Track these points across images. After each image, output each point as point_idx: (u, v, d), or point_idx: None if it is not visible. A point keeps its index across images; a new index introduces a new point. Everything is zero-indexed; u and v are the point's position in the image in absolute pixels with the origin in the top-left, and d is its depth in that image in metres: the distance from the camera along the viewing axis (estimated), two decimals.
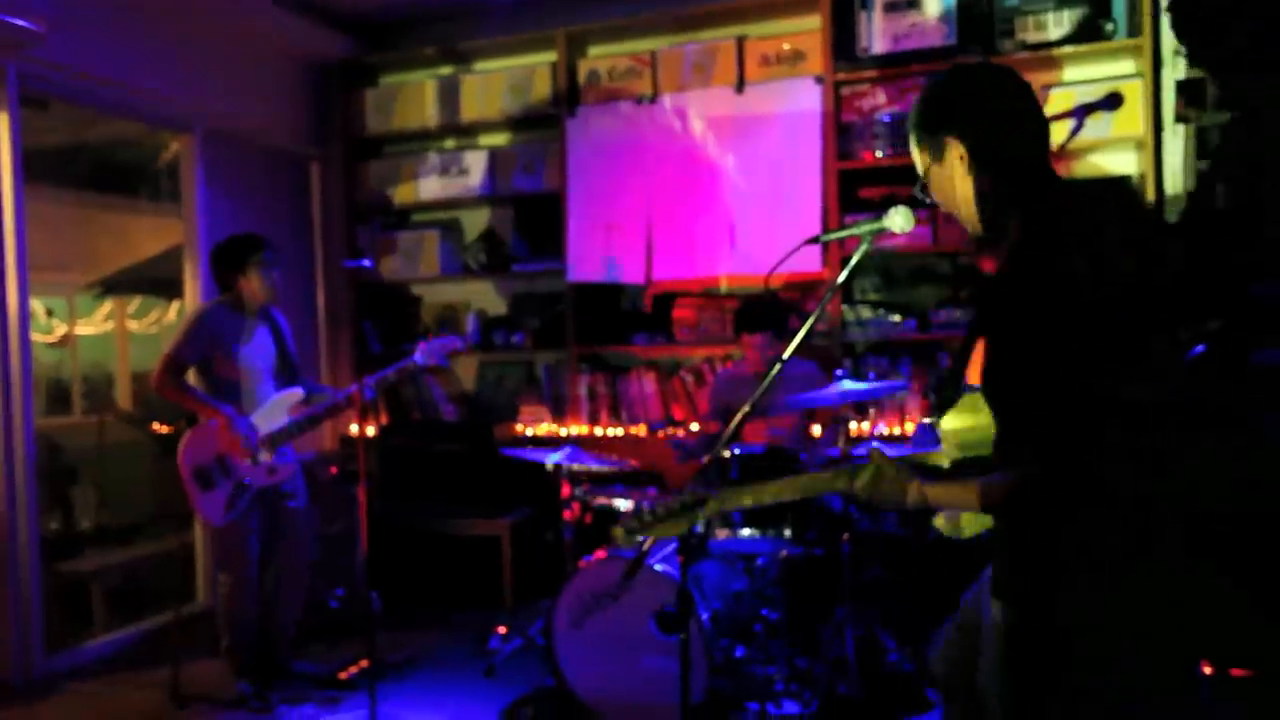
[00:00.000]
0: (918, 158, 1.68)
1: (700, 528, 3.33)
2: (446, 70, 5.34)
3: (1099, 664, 1.43)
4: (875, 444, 1.72)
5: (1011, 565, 1.51)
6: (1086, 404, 1.38)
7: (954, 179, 1.61)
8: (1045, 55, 4.18)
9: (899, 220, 2.05)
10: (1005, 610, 1.52)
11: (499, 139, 5.30)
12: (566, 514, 3.76)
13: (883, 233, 2.07)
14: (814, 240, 2.39)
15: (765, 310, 3.90)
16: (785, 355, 2.15)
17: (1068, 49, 4.15)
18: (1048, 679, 1.47)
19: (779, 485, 1.82)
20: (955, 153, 1.59)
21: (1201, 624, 1.47)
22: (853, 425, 4.22)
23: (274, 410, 3.68)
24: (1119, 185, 1.53)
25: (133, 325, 9.42)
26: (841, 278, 2.13)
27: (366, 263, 3.64)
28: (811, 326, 2.09)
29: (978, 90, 1.58)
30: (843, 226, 4.34)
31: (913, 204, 2.16)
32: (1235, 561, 1.46)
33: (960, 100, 1.59)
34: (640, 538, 1.88)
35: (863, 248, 2.12)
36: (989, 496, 1.49)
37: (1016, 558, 1.51)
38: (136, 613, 4.56)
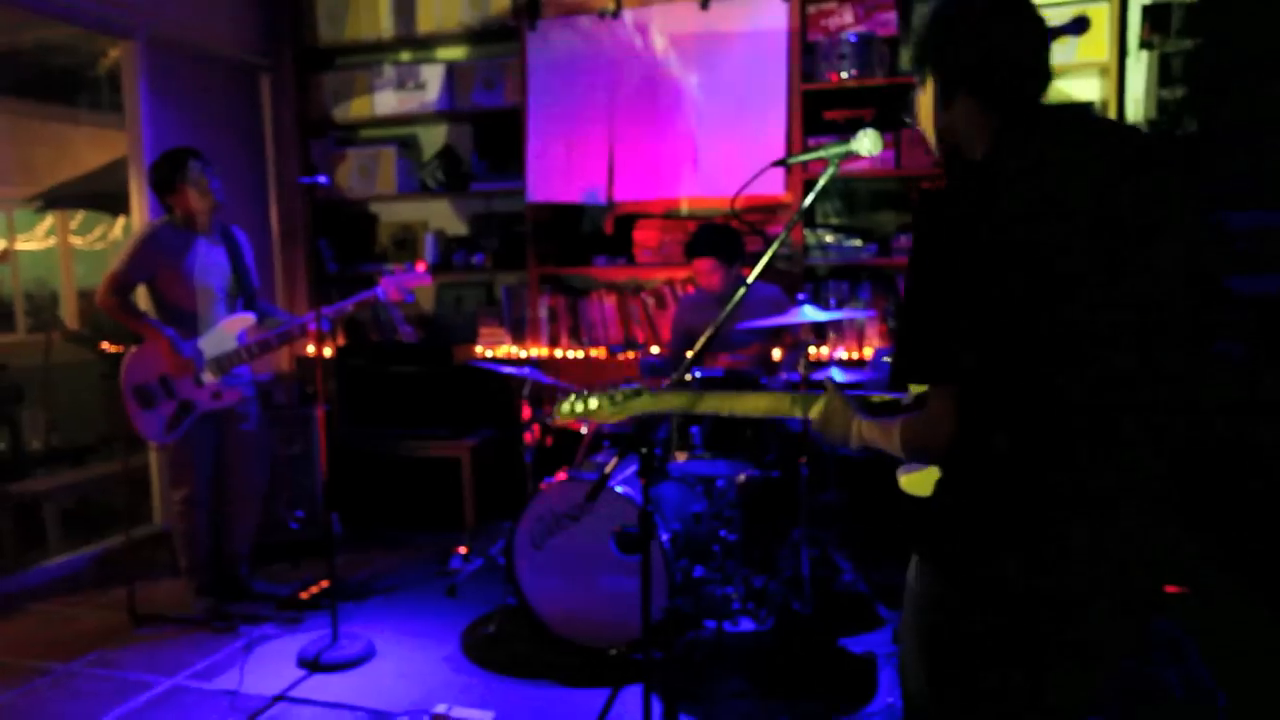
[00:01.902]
0: (914, 80, 1.63)
1: (662, 450, 3.35)
2: None
3: (1005, 632, 1.40)
4: (830, 375, 1.70)
5: (923, 518, 1.48)
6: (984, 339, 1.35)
7: (929, 106, 1.57)
8: None
9: (867, 143, 2.03)
10: (919, 565, 1.51)
11: (457, 52, 5.14)
12: (527, 436, 3.77)
13: (850, 156, 2.05)
14: (781, 163, 2.37)
15: (712, 234, 3.87)
16: (750, 279, 2.14)
17: None
18: (954, 646, 1.45)
19: (717, 398, 1.83)
20: (936, 77, 1.55)
21: (1145, 570, 1.42)
22: (813, 350, 4.25)
23: (223, 333, 3.61)
24: (1096, 121, 1.47)
25: (77, 241, 9.14)
26: (808, 201, 2.12)
27: (322, 179, 3.52)
28: (775, 251, 2.08)
29: (958, 19, 1.52)
30: (807, 149, 4.31)
31: (882, 125, 2.13)
32: (1188, 492, 1.45)
33: (939, 29, 1.54)
34: (579, 419, 1.91)
35: (829, 171, 2.09)
36: (898, 437, 1.46)
37: (935, 511, 1.47)
38: (91, 534, 4.52)
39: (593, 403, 1.86)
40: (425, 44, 5.12)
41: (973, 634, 1.42)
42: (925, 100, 1.59)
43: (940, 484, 1.47)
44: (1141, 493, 1.39)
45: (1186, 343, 1.42)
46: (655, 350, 4.59)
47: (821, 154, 2.10)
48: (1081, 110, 1.56)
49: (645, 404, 1.85)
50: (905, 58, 4.42)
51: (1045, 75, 1.52)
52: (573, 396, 1.90)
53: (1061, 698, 1.43)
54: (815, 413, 1.64)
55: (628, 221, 4.82)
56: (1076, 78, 4.26)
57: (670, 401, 1.88)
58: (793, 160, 2.30)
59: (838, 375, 3.48)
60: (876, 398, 1.65)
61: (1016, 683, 1.42)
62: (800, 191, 4.38)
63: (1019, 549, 1.38)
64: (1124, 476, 1.38)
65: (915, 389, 1.54)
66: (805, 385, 3.35)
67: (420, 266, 3.69)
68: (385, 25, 5.02)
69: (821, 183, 2.07)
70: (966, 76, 1.51)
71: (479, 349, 4.96)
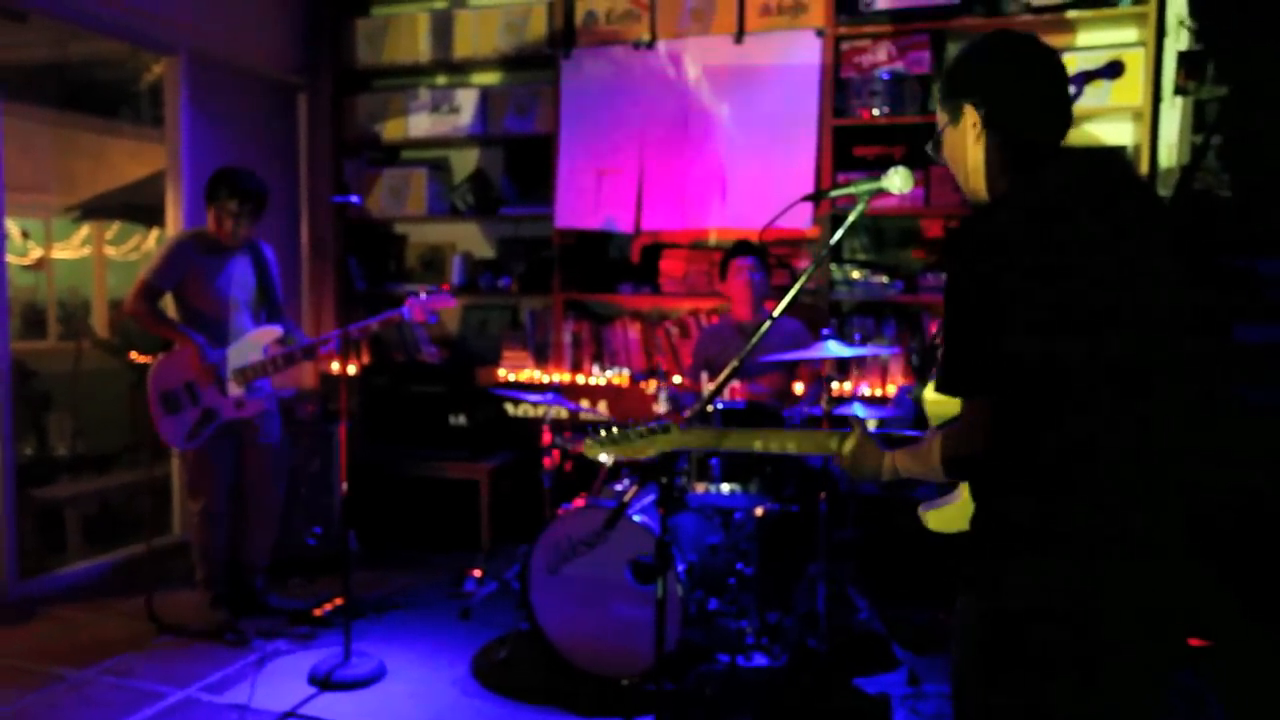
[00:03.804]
0: (939, 116, 1.67)
1: (681, 480, 3.34)
2: (441, 3, 5.21)
3: (1046, 656, 1.42)
4: (856, 414, 1.73)
5: (966, 548, 1.51)
6: (1009, 368, 1.41)
7: (965, 145, 1.62)
8: (1050, 19, 4.13)
9: (898, 181, 2.03)
10: (962, 597, 1.53)
11: (491, 78, 5.21)
12: (546, 461, 3.77)
13: (880, 193, 2.06)
14: (811, 197, 2.37)
15: (749, 243, 4.07)
16: (775, 313, 2.14)
17: (1072, 13, 4.09)
18: (995, 669, 1.46)
19: (745, 435, 1.85)
20: (970, 119, 1.60)
21: (1168, 613, 1.45)
22: (835, 385, 4.24)
23: (249, 345, 3.66)
24: (1120, 167, 1.53)
25: (111, 251, 9.27)
26: (836, 237, 2.11)
27: (354, 199, 3.58)
28: (802, 285, 2.09)
29: (1002, 62, 1.59)
30: (836, 185, 4.32)
31: (912, 163, 2.14)
32: (1213, 542, 1.46)
33: (983, 69, 1.60)
34: (604, 458, 1.95)
35: (859, 208, 2.10)
36: (937, 452, 1.51)
37: (969, 538, 1.51)
38: (112, 541, 4.56)
39: (621, 439, 1.88)
40: (461, 69, 5.18)
41: (1024, 659, 1.44)
42: (953, 136, 1.65)
43: (975, 516, 1.51)
44: (1165, 527, 1.44)
45: (1200, 389, 1.46)
46: (677, 380, 4.59)
47: (851, 190, 2.10)
48: (1101, 156, 1.62)
49: (673, 441, 1.87)
50: (937, 95, 4.43)
51: (1066, 118, 1.59)
52: (602, 432, 1.92)
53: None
54: (846, 449, 1.68)
55: (654, 251, 4.83)
56: (1110, 122, 4.25)
57: (698, 439, 1.90)
58: (822, 196, 2.31)
59: (860, 411, 3.46)
60: (898, 437, 1.66)
61: (1069, 708, 1.43)
62: (827, 227, 4.38)
63: (1056, 573, 1.41)
64: (1148, 511, 1.42)
65: (935, 422, 1.60)
66: (828, 421, 3.34)
67: (446, 290, 3.72)
68: (423, 49, 5.09)
69: (851, 219, 2.08)
70: (992, 113, 1.57)
71: (502, 372, 4.97)
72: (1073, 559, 1.40)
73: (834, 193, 2.21)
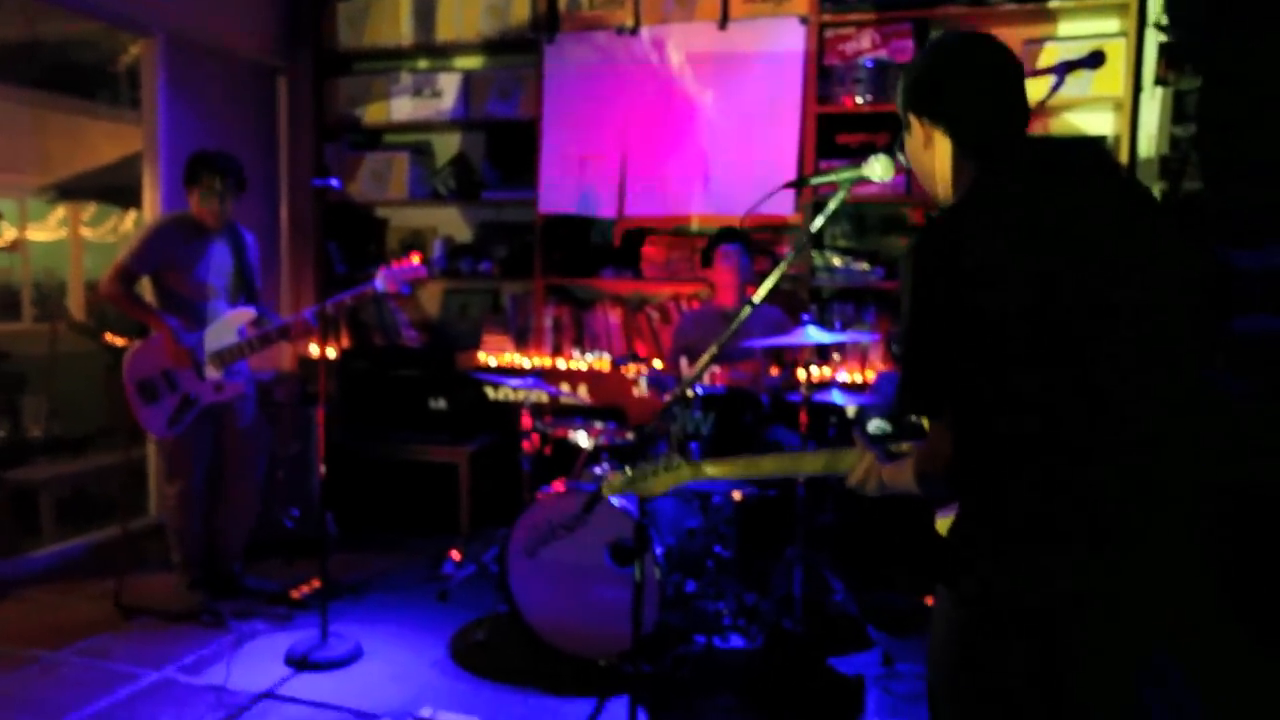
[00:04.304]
0: (903, 119, 1.67)
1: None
2: None
3: (1013, 649, 1.43)
4: (858, 432, 1.71)
5: (943, 542, 1.52)
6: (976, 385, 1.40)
7: (922, 153, 1.62)
8: (1033, 8, 4.15)
9: (879, 169, 2.05)
10: (943, 595, 1.55)
11: (474, 62, 5.18)
12: (526, 445, 3.77)
13: (861, 181, 2.07)
14: (793, 184, 2.38)
15: (733, 230, 4.10)
16: (755, 299, 2.15)
17: (1054, 3, 4.11)
18: (964, 660, 1.48)
19: (760, 461, 1.87)
20: (919, 130, 1.61)
21: (1149, 611, 1.44)
22: (815, 371, 4.26)
23: (224, 327, 3.63)
24: (1089, 155, 1.53)
25: (87, 232, 9.17)
26: (817, 224, 2.12)
27: (334, 183, 3.56)
28: (783, 272, 2.10)
29: (944, 70, 1.58)
30: (819, 172, 4.33)
31: (895, 151, 2.15)
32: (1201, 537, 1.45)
33: (925, 80, 1.60)
34: (625, 492, 1.98)
35: (840, 195, 2.11)
36: (910, 471, 1.52)
37: (949, 534, 1.51)
38: (86, 523, 4.52)
39: (637, 478, 1.92)
40: (443, 52, 5.15)
41: (994, 664, 1.46)
42: (911, 145, 1.66)
43: (956, 517, 1.51)
44: (1148, 524, 1.41)
45: (1186, 379, 1.44)
46: (658, 364, 4.59)
47: (833, 178, 2.12)
48: (1067, 146, 1.62)
49: (686, 476, 1.91)
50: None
51: (1020, 113, 1.58)
52: (618, 473, 1.96)
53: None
54: (858, 473, 1.66)
55: (636, 236, 4.83)
56: (1090, 111, 4.27)
57: (711, 472, 1.92)
58: (804, 183, 2.31)
59: (838, 398, 3.48)
60: (905, 445, 1.66)
61: (1036, 708, 1.44)
62: (809, 213, 4.39)
63: (1028, 576, 1.41)
64: (1128, 506, 1.40)
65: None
66: (807, 408, 3.35)
67: (415, 258, 3.66)
68: (405, 32, 5.05)
69: (832, 206, 2.09)
70: (940, 121, 1.57)
71: (482, 355, 4.96)
72: (1044, 557, 1.40)
73: (815, 180, 2.22)
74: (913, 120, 1.62)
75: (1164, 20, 3.89)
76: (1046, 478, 1.39)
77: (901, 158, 1.77)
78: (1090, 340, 1.38)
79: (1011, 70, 1.56)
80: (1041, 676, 1.42)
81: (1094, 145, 4.14)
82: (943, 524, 1.61)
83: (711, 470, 1.93)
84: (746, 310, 2.14)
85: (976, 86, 1.55)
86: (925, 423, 1.55)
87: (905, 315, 1.45)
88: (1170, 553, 1.42)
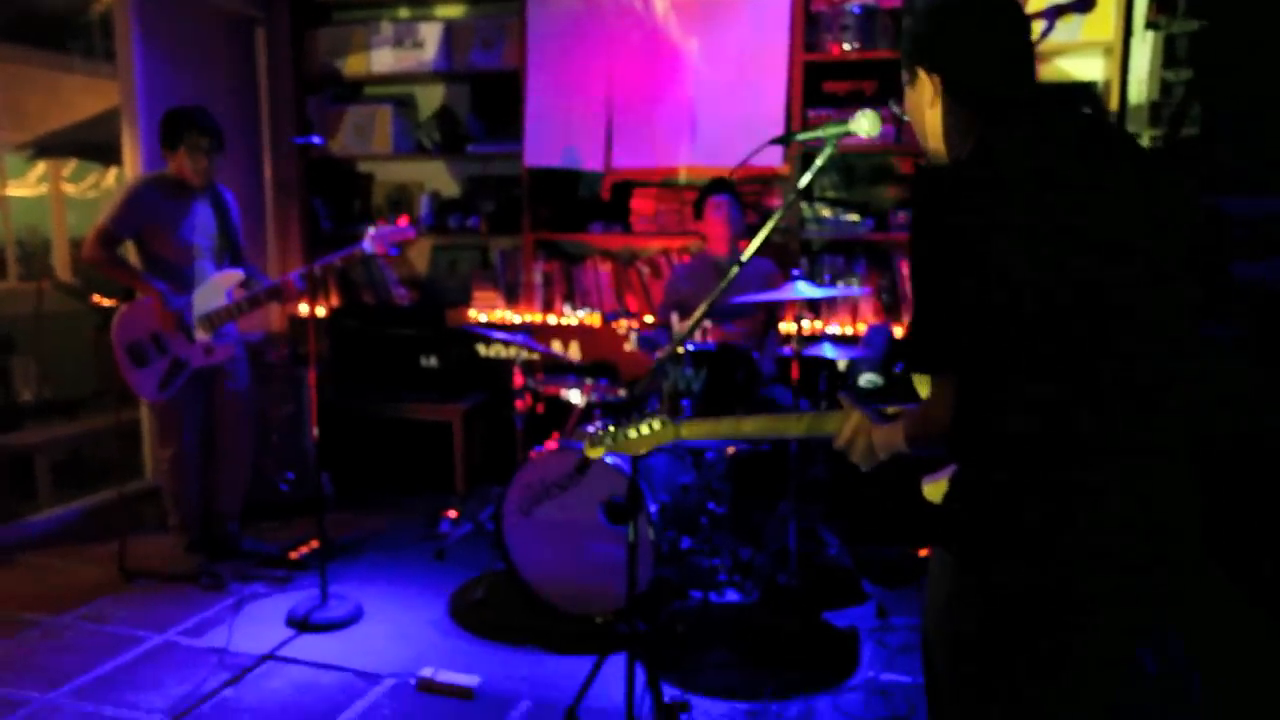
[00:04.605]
0: (903, 75, 1.64)
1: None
2: None
3: (1011, 616, 1.42)
4: (845, 394, 1.70)
5: (943, 506, 1.51)
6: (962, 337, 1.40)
7: (923, 107, 1.59)
8: None
9: (865, 124, 2.03)
10: (940, 559, 1.55)
11: (456, 10, 5.07)
12: (519, 404, 3.78)
13: (848, 136, 2.06)
14: (779, 140, 2.37)
15: (723, 180, 4.07)
16: (745, 256, 2.15)
17: None
18: (985, 642, 1.47)
19: (742, 423, 1.87)
20: (925, 83, 1.57)
21: (1152, 577, 1.42)
22: (806, 324, 4.26)
23: (212, 290, 3.61)
24: (1092, 114, 1.51)
25: (69, 188, 9.04)
26: (804, 181, 2.11)
27: (316, 139, 3.51)
28: (773, 228, 2.09)
29: (952, 21, 1.54)
30: (806, 121, 4.29)
31: (883, 99, 2.12)
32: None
33: (933, 31, 1.56)
34: (611, 452, 1.97)
35: (827, 151, 2.10)
36: (903, 431, 1.52)
37: (947, 497, 1.50)
38: (83, 487, 4.53)
39: (620, 438, 1.92)
40: (424, 1, 5.04)
41: (991, 629, 1.45)
42: (914, 97, 1.62)
43: (952, 482, 1.50)
44: (1153, 485, 1.40)
45: (1188, 331, 1.43)
46: (649, 319, 4.59)
47: (819, 133, 2.10)
48: (1066, 103, 1.58)
49: (670, 435, 1.91)
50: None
51: (1029, 69, 1.55)
52: (601, 432, 1.95)
53: (1076, 696, 1.46)
54: (838, 431, 1.66)
55: (625, 188, 4.79)
56: (1080, 57, 4.22)
57: (695, 431, 1.93)
58: (790, 139, 2.30)
59: (830, 351, 3.50)
60: (892, 409, 1.66)
61: (1032, 679, 1.44)
62: (798, 165, 4.35)
63: (1025, 545, 1.40)
64: (1133, 470, 1.39)
65: (923, 393, 1.56)
66: (798, 362, 3.37)
67: (403, 220, 3.63)
68: None
69: (819, 163, 2.07)
70: (947, 75, 1.54)
71: (472, 312, 4.95)
72: (1047, 522, 1.38)
73: (801, 136, 2.20)
74: (916, 72, 1.58)
75: None
76: (1052, 443, 1.38)
77: (896, 109, 1.74)
78: (1099, 302, 1.37)
79: (1019, 22, 1.53)
80: (1041, 640, 1.42)
81: (1092, 102, 4.11)
82: (932, 489, 1.62)
83: (693, 430, 1.94)
84: (735, 270, 2.13)
85: (984, 39, 1.52)
86: (921, 383, 1.55)
87: (912, 265, 1.44)
88: (1174, 517, 1.41)
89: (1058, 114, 1.49)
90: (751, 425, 1.90)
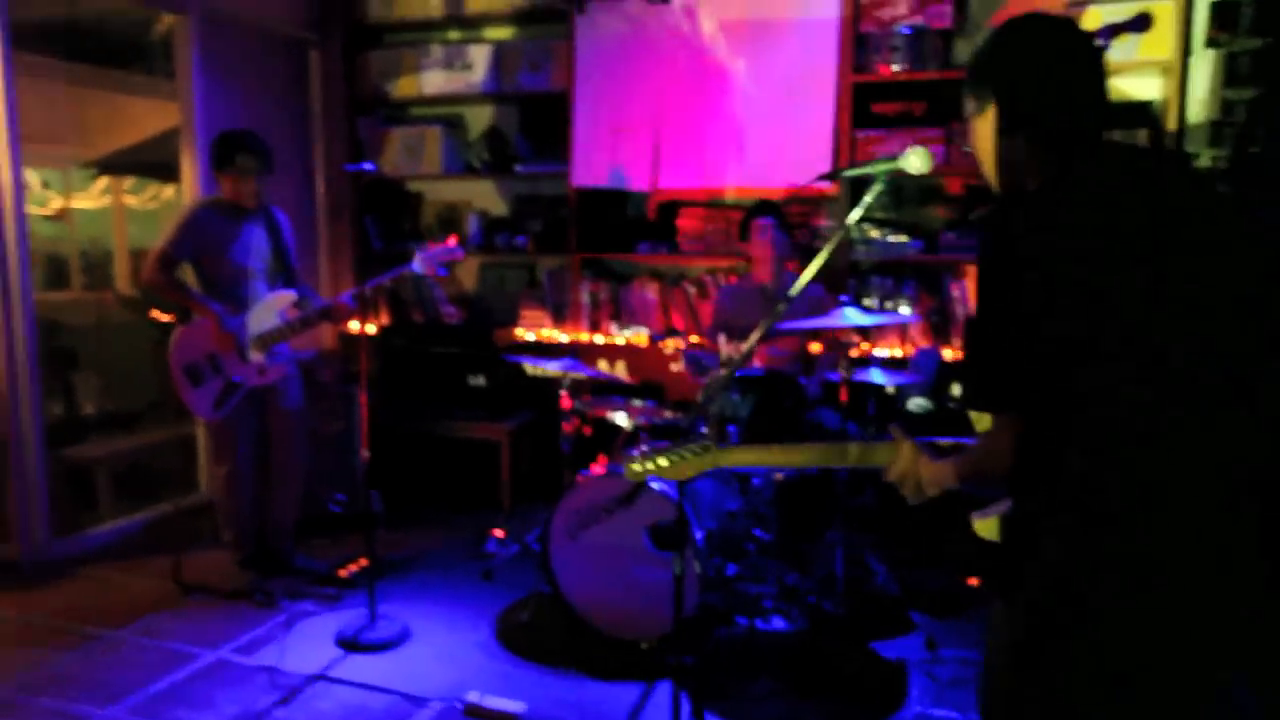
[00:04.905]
0: (966, 103, 1.61)
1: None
2: None
3: (1075, 668, 1.39)
4: (898, 425, 1.68)
5: (999, 548, 1.49)
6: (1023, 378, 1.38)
7: (987, 138, 1.56)
8: None
9: (915, 162, 2.02)
10: (994, 596, 1.53)
11: (504, 33, 5.13)
12: (566, 426, 3.80)
13: (898, 173, 2.04)
14: (827, 177, 2.36)
15: (768, 202, 4.07)
16: (794, 290, 2.14)
17: None
18: (1024, 673, 1.45)
19: (790, 451, 1.84)
20: (993, 115, 1.54)
21: (1220, 616, 1.36)
22: (852, 350, 4.23)
23: (266, 311, 3.68)
24: (1168, 158, 1.48)
25: (130, 200, 9.29)
26: (852, 218, 2.10)
27: (368, 166, 3.57)
28: (820, 250, 2.08)
29: (1025, 54, 1.51)
30: (854, 164, 4.22)
31: (932, 119, 2.11)
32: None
33: (1004, 62, 1.53)
34: (651, 476, 1.95)
35: (876, 188, 2.08)
36: (959, 468, 1.50)
37: (1003, 540, 1.48)
38: (141, 500, 4.65)
39: (664, 461, 1.86)
40: (473, 24, 5.11)
41: (1058, 668, 1.42)
42: (982, 128, 1.59)
43: (1006, 521, 1.48)
44: (1220, 529, 1.35)
45: (1257, 380, 1.38)
46: (695, 339, 4.59)
47: (869, 169, 2.09)
48: (1141, 147, 1.55)
49: (713, 461, 1.85)
50: (961, 51, 4.34)
51: (1099, 104, 1.51)
52: (642, 455, 1.91)
53: None
54: (889, 463, 1.64)
55: (671, 208, 4.80)
56: (1137, 76, 4.15)
57: (738, 458, 1.90)
58: (839, 175, 2.30)
59: (878, 376, 3.47)
60: (945, 443, 1.64)
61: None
62: (846, 186, 4.32)
63: (1081, 590, 1.37)
64: (1198, 510, 1.34)
65: (981, 427, 1.54)
66: (847, 387, 3.35)
67: (452, 241, 3.66)
68: (435, 4, 5.02)
69: (868, 199, 2.06)
70: (1024, 112, 1.51)
71: (520, 331, 4.99)
72: (1111, 559, 1.35)
73: (849, 173, 2.20)
74: (981, 102, 1.56)
75: None
76: (1116, 483, 1.35)
77: (960, 143, 1.72)
78: (1165, 344, 1.34)
79: (1090, 54, 1.50)
80: (1106, 679, 1.38)
81: (1166, 147, 3.99)
82: (984, 526, 1.59)
83: (738, 458, 1.91)
84: (781, 307, 2.13)
85: (1052, 71, 1.49)
86: (979, 419, 1.53)
87: (979, 300, 1.42)
88: (1242, 557, 1.36)
89: (1129, 151, 1.47)
90: (799, 456, 1.86)
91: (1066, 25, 1.53)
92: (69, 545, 4.13)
